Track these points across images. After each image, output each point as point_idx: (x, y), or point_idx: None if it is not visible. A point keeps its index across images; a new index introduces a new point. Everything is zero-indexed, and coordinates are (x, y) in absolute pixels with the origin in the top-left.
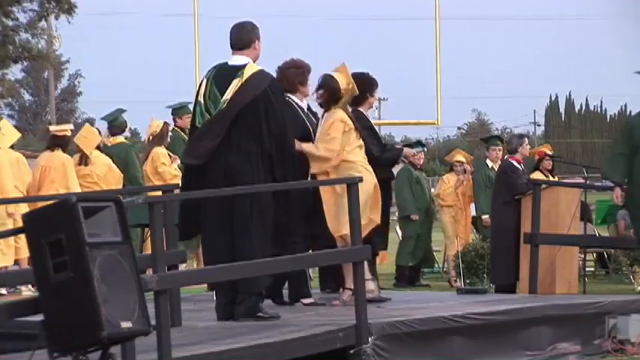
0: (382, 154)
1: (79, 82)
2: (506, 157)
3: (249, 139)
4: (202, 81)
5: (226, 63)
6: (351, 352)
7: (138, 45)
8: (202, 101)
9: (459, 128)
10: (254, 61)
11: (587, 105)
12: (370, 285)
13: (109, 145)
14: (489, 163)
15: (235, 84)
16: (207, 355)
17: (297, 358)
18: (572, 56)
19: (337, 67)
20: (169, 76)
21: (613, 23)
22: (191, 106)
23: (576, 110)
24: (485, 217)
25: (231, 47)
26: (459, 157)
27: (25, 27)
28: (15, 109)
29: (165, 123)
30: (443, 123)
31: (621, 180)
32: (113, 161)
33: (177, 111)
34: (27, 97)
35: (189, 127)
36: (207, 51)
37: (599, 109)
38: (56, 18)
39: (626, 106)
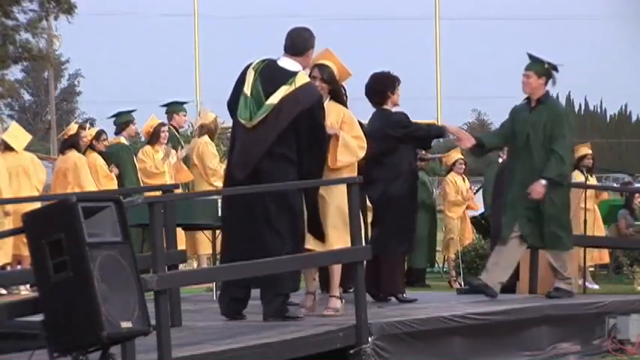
0: (430, 130)
1: (78, 82)
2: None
3: (282, 146)
4: (248, 70)
5: (275, 61)
6: (351, 352)
7: (138, 45)
8: (249, 94)
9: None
10: (303, 69)
11: (586, 105)
12: (337, 303)
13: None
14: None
15: (285, 90)
16: (207, 355)
17: (297, 358)
18: (572, 56)
19: (322, 55)
20: (169, 76)
21: (613, 23)
22: (186, 106)
23: (576, 110)
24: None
25: (285, 49)
26: (459, 155)
27: (25, 27)
28: (15, 109)
29: (159, 123)
30: (443, 123)
31: (482, 141)
32: (108, 161)
33: (171, 108)
34: (27, 97)
35: (218, 123)
36: (207, 51)
37: (599, 109)
38: (56, 18)
39: (626, 106)
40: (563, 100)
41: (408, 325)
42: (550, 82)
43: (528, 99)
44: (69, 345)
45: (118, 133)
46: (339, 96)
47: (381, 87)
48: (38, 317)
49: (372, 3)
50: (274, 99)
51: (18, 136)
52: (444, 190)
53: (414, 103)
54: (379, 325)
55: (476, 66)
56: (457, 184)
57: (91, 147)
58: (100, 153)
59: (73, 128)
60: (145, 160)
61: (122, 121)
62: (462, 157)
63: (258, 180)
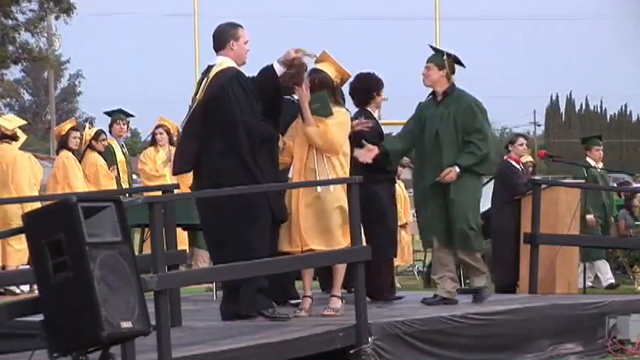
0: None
1: (79, 82)
2: (505, 157)
3: (220, 140)
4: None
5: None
6: (351, 352)
7: (138, 45)
8: (191, 102)
9: None
10: (238, 62)
11: (587, 105)
12: (337, 303)
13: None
14: (592, 163)
15: (203, 84)
16: (207, 355)
17: (297, 358)
18: (572, 56)
19: (319, 57)
20: (169, 76)
21: (613, 23)
22: None
23: (576, 110)
24: (589, 216)
25: (213, 49)
26: None
27: (24, 27)
28: (15, 109)
29: (156, 125)
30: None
31: (385, 149)
32: (108, 161)
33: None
34: (27, 97)
35: None
36: (207, 51)
37: (599, 109)
38: (56, 18)
39: (626, 106)
40: (563, 100)
41: (408, 325)
42: (454, 74)
43: (433, 93)
44: (69, 345)
45: (110, 133)
46: (333, 98)
47: (367, 87)
48: (38, 317)
49: (373, 3)
50: (199, 95)
51: (12, 120)
52: None
53: (414, 103)
54: (379, 325)
55: (476, 66)
56: None
57: (90, 147)
58: (100, 153)
59: (64, 128)
60: (145, 162)
61: (111, 120)
62: None
63: (207, 180)
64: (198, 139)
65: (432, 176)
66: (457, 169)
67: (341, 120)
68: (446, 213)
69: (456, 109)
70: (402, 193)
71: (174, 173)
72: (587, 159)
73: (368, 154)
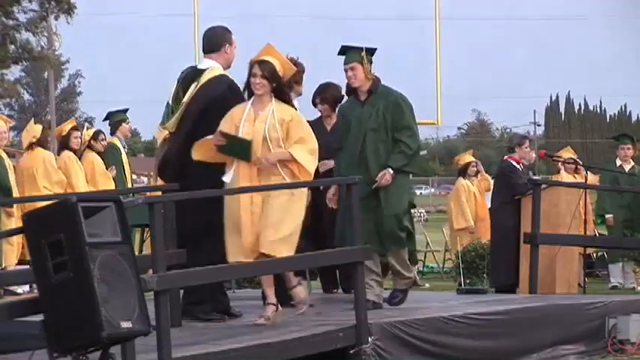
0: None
1: (79, 82)
2: (505, 157)
3: None
4: (175, 83)
5: (195, 66)
6: (351, 352)
7: (138, 45)
8: (170, 103)
9: (459, 128)
10: (226, 66)
11: (586, 105)
12: (301, 294)
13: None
14: (618, 162)
15: (192, 89)
16: (207, 355)
17: (297, 358)
18: (572, 56)
19: (264, 51)
20: (169, 77)
21: (614, 23)
22: None
23: (576, 110)
24: (608, 216)
25: (203, 51)
26: (471, 157)
27: (25, 27)
28: (15, 109)
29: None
30: (443, 123)
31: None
32: (106, 162)
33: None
34: (27, 97)
35: None
36: None
37: (598, 109)
38: (56, 18)
39: (625, 106)
40: (563, 100)
41: (408, 325)
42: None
43: (355, 93)
44: (69, 345)
45: (112, 133)
46: (282, 93)
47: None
48: (38, 317)
49: (371, 3)
50: (185, 98)
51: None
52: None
53: (414, 103)
54: (379, 325)
55: (476, 66)
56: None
57: (89, 147)
58: (98, 153)
59: (64, 129)
60: None
61: (114, 120)
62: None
63: (184, 185)
64: (179, 144)
65: (363, 179)
66: (390, 170)
67: (301, 120)
68: (374, 215)
69: (385, 106)
70: (475, 193)
71: (164, 179)
72: (616, 159)
73: (321, 167)
